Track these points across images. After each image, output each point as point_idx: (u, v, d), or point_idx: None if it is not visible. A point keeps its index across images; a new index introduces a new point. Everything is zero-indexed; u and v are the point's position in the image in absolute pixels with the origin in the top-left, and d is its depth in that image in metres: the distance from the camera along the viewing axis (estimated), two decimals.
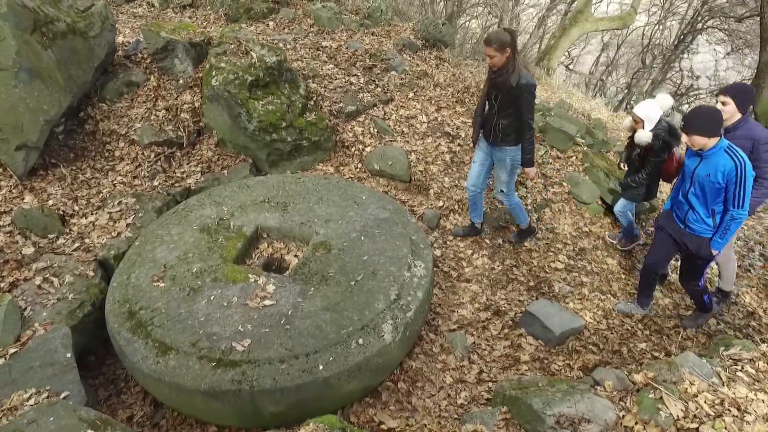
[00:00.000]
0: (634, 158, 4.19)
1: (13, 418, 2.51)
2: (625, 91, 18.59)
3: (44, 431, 2.35)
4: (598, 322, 3.91)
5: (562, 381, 2.69)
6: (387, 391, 3.13)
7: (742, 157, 3.05)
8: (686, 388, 2.32)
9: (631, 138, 4.15)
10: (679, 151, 3.97)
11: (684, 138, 3.11)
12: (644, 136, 3.92)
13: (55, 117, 4.40)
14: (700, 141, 3.12)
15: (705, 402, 2.25)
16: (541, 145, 5.96)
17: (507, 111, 3.74)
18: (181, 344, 2.71)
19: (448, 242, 4.61)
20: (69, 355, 2.90)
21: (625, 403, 2.27)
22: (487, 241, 4.69)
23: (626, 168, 4.41)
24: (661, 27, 18.92)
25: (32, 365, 2.81)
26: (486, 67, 6.52)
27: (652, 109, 3.93)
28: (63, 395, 2.73)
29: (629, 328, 3.94)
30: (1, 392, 2.69)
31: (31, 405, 2.64)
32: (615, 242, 4.91)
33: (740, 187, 3.07)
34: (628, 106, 16.89)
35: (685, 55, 17.32)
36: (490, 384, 3.30)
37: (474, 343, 3.57)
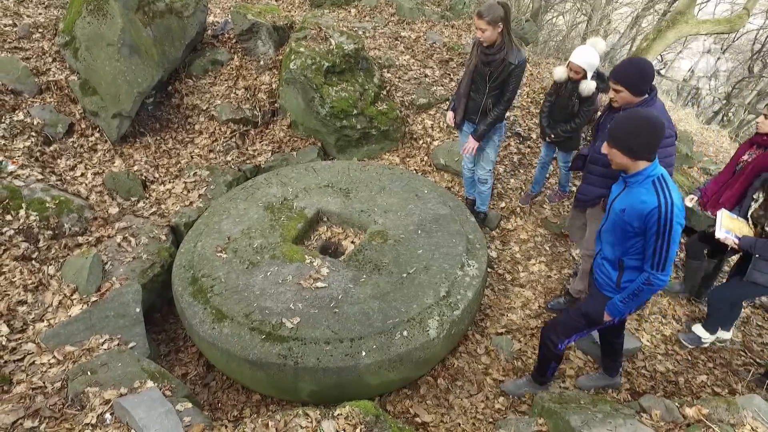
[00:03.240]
0: (570, 108, 4.06)
1: (90, 358, 2.80)
2: (723, 101, 17.11)
3: (112, 374, 2.61)
4: (655, 346, 3.71)
5: (605, 402, 2.60)
6: (426, 385, 3.16)
7: (670, 196, 2.16)
8: None
9: (558, 87, 4.08)
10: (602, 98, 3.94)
11: (604, 147, 2.32)
12: (591, 85, 3.82)
13: (147, 89, 4.75)
14: (620, 160, 2.24)
15: None
16: None
17: (497, 90, 3.63)
18: (235, 314, 2.88)
19: (506, 244, 4.53)
20: (138, 310, 3.17)
21: None
22: (547, 248, 4.57)
23: (548, 123, 4.28)
24: None
25: (108, 314, 3.10)
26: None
27: (593, 57, 3.81)
28: (130, 345, 2.99)
29: (689, 358, 3.71)
30: (82, 334, 3.00)
31: (105, 349, 2.92)
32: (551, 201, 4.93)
33: (663, 240, 2.18)
34: (725, 119, 15.59)
35: None
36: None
37: (520, 349, 3.51)
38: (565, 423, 2.35)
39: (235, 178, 4.58)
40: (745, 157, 3.47)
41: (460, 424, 2.83)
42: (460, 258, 3.29)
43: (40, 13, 5.47)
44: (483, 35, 3.40)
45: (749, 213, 3.20)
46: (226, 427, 2.41)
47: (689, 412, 2.26)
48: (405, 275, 3.14)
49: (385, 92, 5.53)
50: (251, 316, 2.87)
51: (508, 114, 5.87)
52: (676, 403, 2.36)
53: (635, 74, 2.71)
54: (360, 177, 4.13)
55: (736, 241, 3.12)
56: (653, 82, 2.78)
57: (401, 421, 2.75)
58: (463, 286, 3.12)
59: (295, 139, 5.21)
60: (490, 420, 2.93)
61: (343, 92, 5.04)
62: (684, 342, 3.71)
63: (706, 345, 3.70)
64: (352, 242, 3.64)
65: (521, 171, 5.24)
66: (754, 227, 3.18)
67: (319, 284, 3.07)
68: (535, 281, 4.22)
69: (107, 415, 2.35)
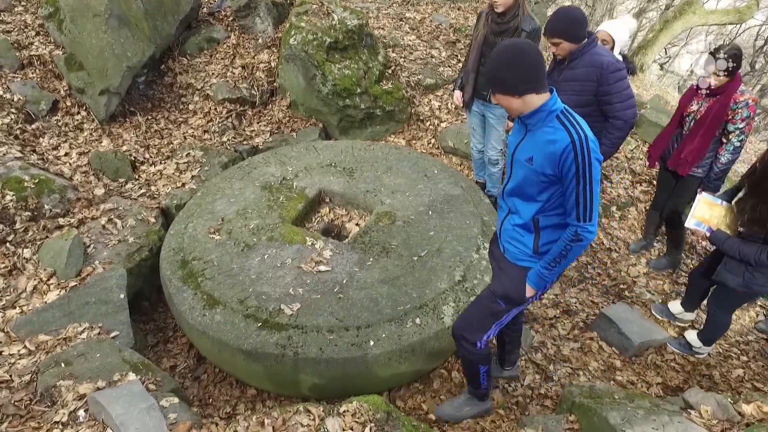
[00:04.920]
0: None
1: (66, 348, 2.51)
2: None
3: (90, 365, 2.34)
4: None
5: (643, 397, 2.32)
6: (439, 379, 2.88)
7: (582, 128, 1.81)
8: None
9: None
10: None
11: (493, 99, 1.95)
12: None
13: (138, 65, 4.45)
14: (509, 104, 1.88)
15: None
16: (632, 138, 5.43)
17: None
18: (229, 300, 2.60)
19: None
20: (122, 296, 2.89)
21: None
22: None
23: None
24: None
25: (88, 300, 2.81)
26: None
27: (623, 31, 3.49)
28: (113, 334, 2.70)
29: (721, 351, 3.43)
30: (59, 322, 2.71)
31: (83, 338, 2.63)
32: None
33: (585, 182, 1.80)
34: None
35: None
36: (551, 386, 2.96)
37: (542, 341, 3.23)
38: (602, 420, 2.06)
39: (231, 159, 4.28)
40: (694, 108, 3.18)
41: (478, 422, 2.55)
42: (475, 240, 3.00)
43: None
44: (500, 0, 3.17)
45: (735, 201, 2.78)
46: (216, 425, 2.13)
47: (747, 409, 1.97)
48: (416, 258, 2.86)
49: (390, 71, 5.24)
50: (246, 302, 2.59)
51: None
52: (729, 399, 2.08)
53: (568, 23, 2.81)
54: (365, 156, 3.84)
55: (708, 234, 2.77)
56: (588, 28, 2.89)
57: (414, 418, 2.46)
58: (479, 270, 2.83)
59: (295, 119, 4.92)
60: (512, 417, 2.65)
61: (346, 70, 4.74)
62: (672, 347, 3.30)
63: (702, 355, 3.26)
64: (357, 225, 3.35)
65: None
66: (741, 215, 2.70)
67: (322, 267, 2.78)
68: None
69: (81, 412, 2.07)
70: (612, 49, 3.55)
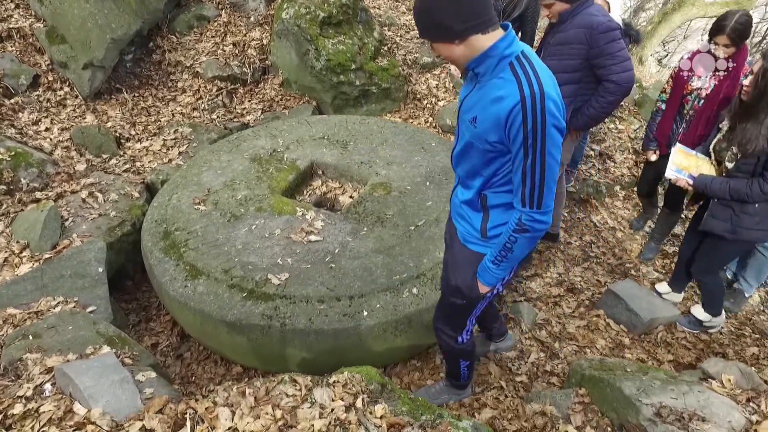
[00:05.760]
0: None
1: (36, 321, 2.34)
2: None
3: (61, 338, 2.16)
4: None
5: (657, 369, 2.16)
6: (439, 355, 2.71)
7: (538, 82, 1.36)
8: None
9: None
10: None
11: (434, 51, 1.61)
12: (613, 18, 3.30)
13: (123, 38, 4.26)
14: (450, 52, 1.46)
15: None
16: (635, 119, 5.28)
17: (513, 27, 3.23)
18: (212, 270, 2.42)
19: None
20: (101, 270, 2.71)
21: (758, 405, 1.71)
22: (566, 214, 4.12)
23: None
24: None
25: (63, 274, 2.64)
26: None
27: None
28: (89, 309, 2.53)
29: (733, 329, 3.27)
30: (30, 295, 2.53)
31: (56, 312, 2.45)
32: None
33: (534, 156, 1.40)
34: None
35: None
36: (557, 363, 2.80)
37: (546, 319, 3.07)
38: (615, 391, 1.90)
39: (221, 136, 4.10)
40: (697, 84, 2.96)
41: (479, 398, 2.38)
42: None
43: None
44: None
45: (712, 145, 2.64)
46: (197, 400, 1.95)
47: None
48: (413, 228, 2.69)
49: (385, 48, 5.07)
50: (231, 272, 2.41)
51: None
52: (754, 368, 1.91)
53: None
54: (359, 129, 3.67)
55: (690, 181, 2.60)
56: None
57: (410, 393, 2.30)
58: None
59: (288, 97, 4.74)
60: (515, 395, 2.48)
61: (341, 45, 4.56)
62: (682, 326, 3.13)
63: (714, 329, 3.12)
64: (351, 197, 3.18)
65: None
66: (717, 164, 2.61)
67: (313, 237, 2.61)
68: (554, 247, 3.78)
69: (47, 386, 1.89)
70: (609, 10, 3.38)
